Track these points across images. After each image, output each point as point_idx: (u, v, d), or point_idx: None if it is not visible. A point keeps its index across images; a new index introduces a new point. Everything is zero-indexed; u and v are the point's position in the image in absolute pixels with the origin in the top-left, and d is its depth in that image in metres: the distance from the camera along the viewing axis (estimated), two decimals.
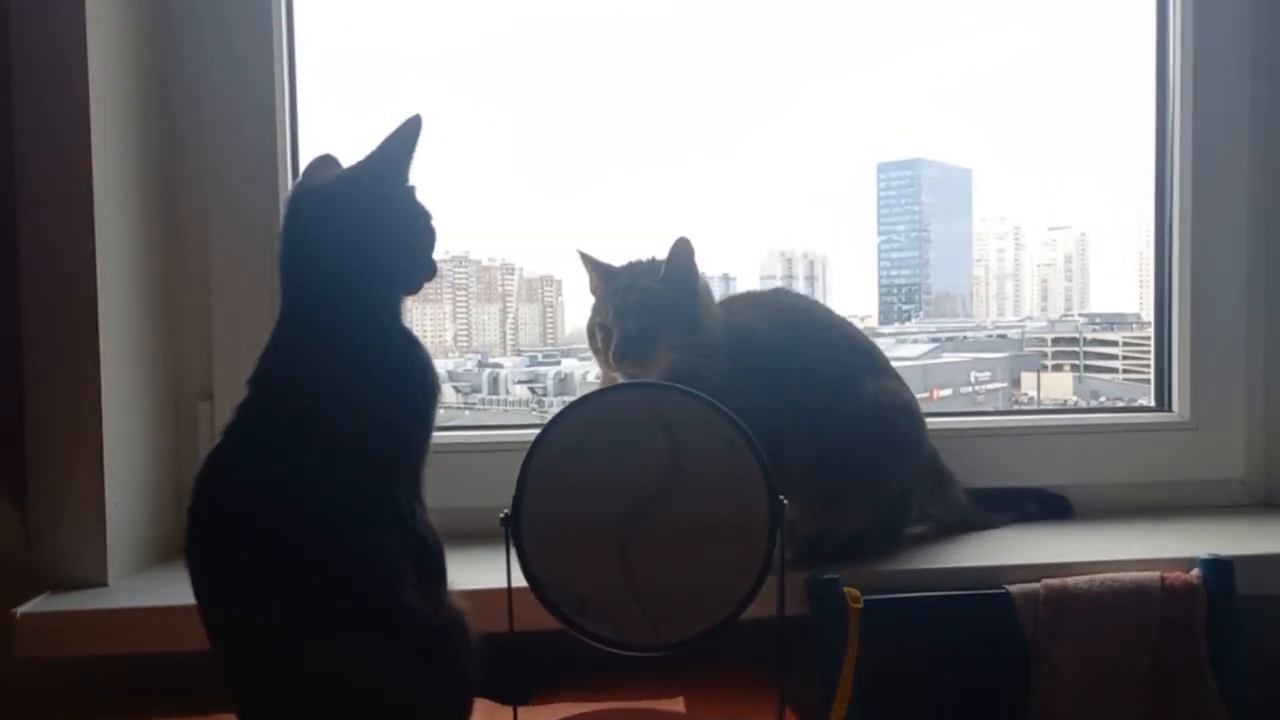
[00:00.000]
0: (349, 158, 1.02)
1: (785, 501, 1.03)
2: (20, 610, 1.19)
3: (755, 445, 1.04)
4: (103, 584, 1.27)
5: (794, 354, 1.28)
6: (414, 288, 1.04)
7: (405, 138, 1.00)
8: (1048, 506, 1.53)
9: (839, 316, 1.39)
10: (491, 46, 1.66)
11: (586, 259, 1.30)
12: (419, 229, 1.03)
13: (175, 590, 1.14)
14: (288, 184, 1.45)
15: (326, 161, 1.05)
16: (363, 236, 0.99)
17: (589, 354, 1.97)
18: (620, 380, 1.22)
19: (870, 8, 1.69)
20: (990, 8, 1.72)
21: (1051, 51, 1.74)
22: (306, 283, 1.00)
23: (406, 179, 1.02)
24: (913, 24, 1.71)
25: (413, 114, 1.00)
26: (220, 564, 0.95)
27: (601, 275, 1.29)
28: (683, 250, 1.25)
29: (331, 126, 1.55)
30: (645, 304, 1.22)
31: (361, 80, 1.64)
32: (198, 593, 0.95)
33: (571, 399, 1.10)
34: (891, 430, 1.31)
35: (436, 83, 1.67)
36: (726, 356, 1.23)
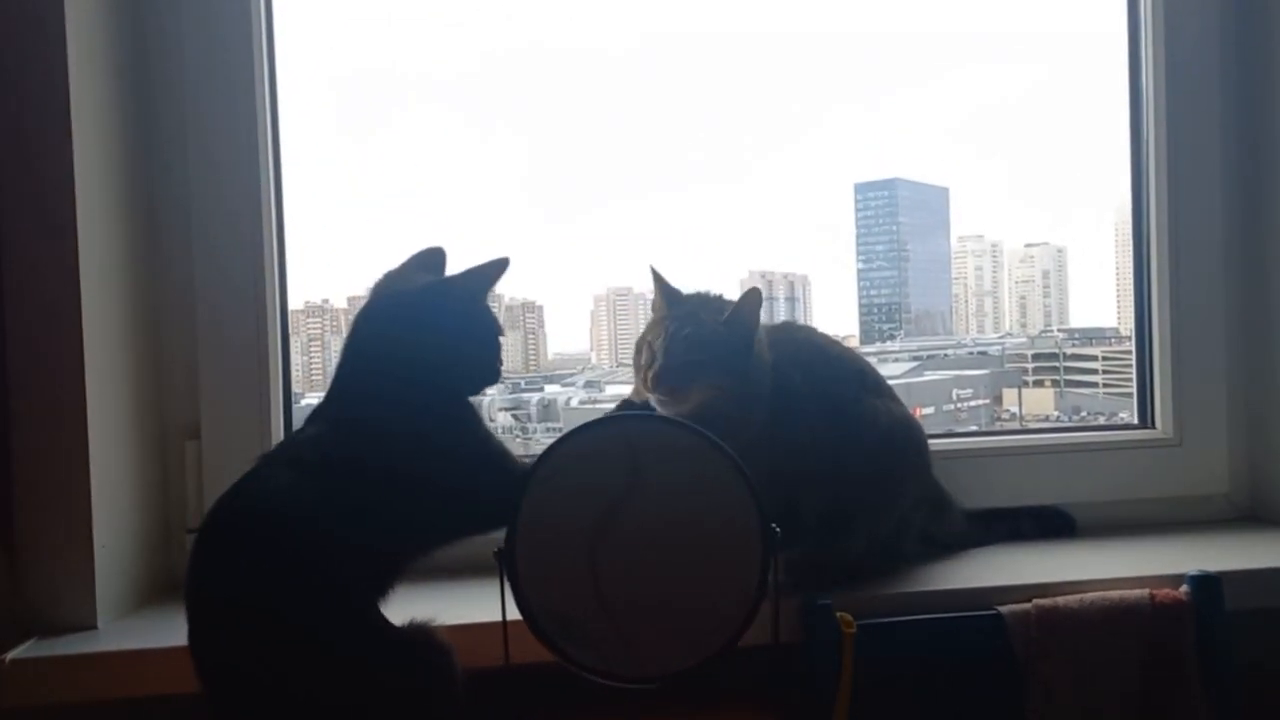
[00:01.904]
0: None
1: (778, 530, 1.03)
2: (9, 656, 1.17)
3: (749, 476, 1.04)
4: (92, 627, 1.25)
5: (814, 397, 1.28)
6: (475, 391, 1.12)
7: (492, 272, 1.08)
8: (1048, 524, 1.53)
9: (841, 344, 1.40)
10: (484, 70, 1.67)
11: (657, 277, 1.29)
12: (488, 342, 1.11)
13: (166, 632, 1.14)
14: (273, 222, 1.45)
15: (433, 254, 1.13)
16: (435, 345, 1.07)
17: (572, 380, 1.96)
18: (651, 400, 1.22)
19: (851, 41, 1.71)
20: (965, 34, 1.74)
21: (1026, 70, 1.76)
22: (371, 376, 1.07)
23: (485, 299, 1.11)
24: (891, 56, 1.72)
25: (502, 256, 1.09)
26: (220, 603, 0.97)
27: (666, 296, 1.28)
28: (752, 301, 1.24)
29: (331, 150, 1.58)
30: (699, 340, 1.21)
31: (359, 104, 1.65)
32: (193, 625, 0.97)
33: (555, 426, 1.10)
34: (899, 457, 1.32)
35: (426, 104, 1.68)
36: (767, 409, 1.23)
